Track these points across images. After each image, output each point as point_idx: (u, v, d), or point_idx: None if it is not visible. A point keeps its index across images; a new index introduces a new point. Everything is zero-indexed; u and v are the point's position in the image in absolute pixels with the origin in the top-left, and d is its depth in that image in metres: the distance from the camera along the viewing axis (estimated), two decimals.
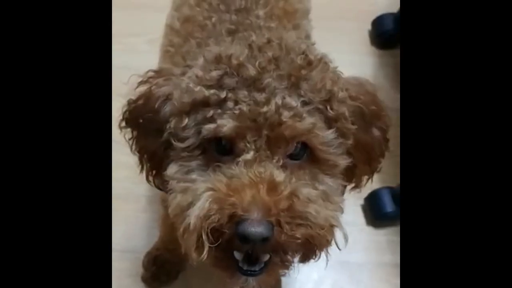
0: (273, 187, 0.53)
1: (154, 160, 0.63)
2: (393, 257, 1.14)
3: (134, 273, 1.08)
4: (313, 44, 0.65)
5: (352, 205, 1.20)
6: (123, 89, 0.64)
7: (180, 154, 0.58)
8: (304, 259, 0.59)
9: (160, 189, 0.67)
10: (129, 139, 0.65)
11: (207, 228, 0.53)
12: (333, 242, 0.59)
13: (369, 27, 1.41)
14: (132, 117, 0.63)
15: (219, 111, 0.54)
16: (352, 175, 0.64)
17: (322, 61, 0.58)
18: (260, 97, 0.53)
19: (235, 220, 0.52)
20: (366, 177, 0.67)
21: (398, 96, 1.29)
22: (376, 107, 0.62)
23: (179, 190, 0.57)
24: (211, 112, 0.54)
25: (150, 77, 0.63)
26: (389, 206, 1.14)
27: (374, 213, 1.17)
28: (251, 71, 0.54)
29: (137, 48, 1.32)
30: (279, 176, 0.54)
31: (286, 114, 0.53)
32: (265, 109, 0.53)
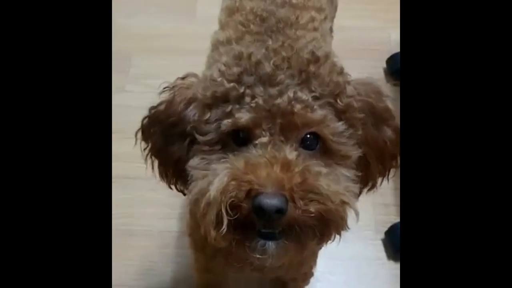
0: (286, 164, 0.57)
1: (177, 166, 0.66)
2: None
3: None
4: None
5: (372, 240, 1.21)
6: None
7: (202, 148, 0.62)
8: (321, 237, 0.60)
9: (184, 194, 0.70)
10: (145, 149, 0.69)
11: (226, 202, 0.56)
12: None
13: (384, 65, 1.46)
14: (152, 124, 0.67)
15: (237, 106, 0.59)
16: (367, 176, 0.67)
17: (329, 57, 0.63)
18: (274, 91, 0.59)
19: (252, 195, 0.55)
20: (381, 177, 0.70)
21: None
22: (383, 105, 0.65)
23: (200, 177, 0.61)
24: (230, 107, 0.60)
25: (175, 84, 0.67)
26: None
27: (395, 247, 1.17)
28: (267, 68, 0.59)
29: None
30: (292, 155, 0.58)
31: (298, 106, 0.58)
32: (278, 100, 0.58)
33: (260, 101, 0.58)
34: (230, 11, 0.92)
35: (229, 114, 0.60)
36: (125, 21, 1.57)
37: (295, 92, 0.59)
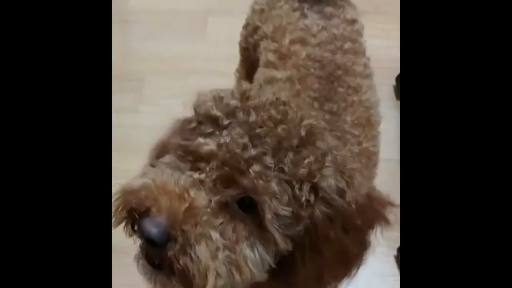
0: (191, 207, 0.55)
1: None
2: None
3: None
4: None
5: (386, 256, 1.26)
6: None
7: (177, 151, 0.61)
8: None
9: None
10: None
11: (125, 204, 0.57)
12: None
13: (393, 82, 1.42)
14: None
15: (217, 133, 0.58)
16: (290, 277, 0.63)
17: (325, 148, 0.59)
18: (244, 141, 0.56)
19: (144, 214, 0.55)
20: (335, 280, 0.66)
21: None
22: (362, 223, 0.62)
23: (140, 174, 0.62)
24: (210, 130, 0.59)
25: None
26: None
27: None
28: (255, 117, 0.57)
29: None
30: (203, 202, 0.56)
31: (255, 168, 0.55)
32: (241, 153, 0.55)
33: (227, 141, 0.56)
34: (281, 55, 0.91)
35: (206, 135, 0.59)
36: (139, 44, 1.64)
37: (264, 153, 0.55)
